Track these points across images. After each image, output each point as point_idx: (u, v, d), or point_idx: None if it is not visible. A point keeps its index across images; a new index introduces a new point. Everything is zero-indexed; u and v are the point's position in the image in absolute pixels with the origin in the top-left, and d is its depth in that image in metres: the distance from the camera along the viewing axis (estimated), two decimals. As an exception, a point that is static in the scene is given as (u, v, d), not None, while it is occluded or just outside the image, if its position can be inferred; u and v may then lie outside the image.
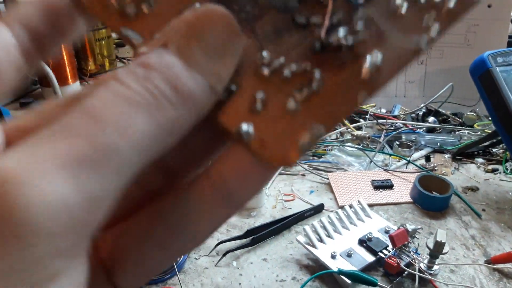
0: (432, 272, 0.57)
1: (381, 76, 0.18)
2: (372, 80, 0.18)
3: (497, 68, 0.71)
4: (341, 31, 0.18)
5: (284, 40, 0.19)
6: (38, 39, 0.19)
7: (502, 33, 0.98)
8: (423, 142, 0.88)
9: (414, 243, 0.60)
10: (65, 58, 0.87)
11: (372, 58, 0.18)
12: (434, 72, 1.02)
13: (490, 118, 0.74)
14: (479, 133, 0.92)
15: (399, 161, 0.84)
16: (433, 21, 0.18)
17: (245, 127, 0.17)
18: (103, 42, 0.98)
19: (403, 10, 0.18)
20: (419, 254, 0.59)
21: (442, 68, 1.01)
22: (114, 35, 1.12)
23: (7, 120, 0.17)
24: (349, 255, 0.58)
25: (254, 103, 0.17)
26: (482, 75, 0.72)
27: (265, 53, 0.18)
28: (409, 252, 0.58)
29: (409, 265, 0.57)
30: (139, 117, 0.14)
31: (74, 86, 0.89)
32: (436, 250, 0.55)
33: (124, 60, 1.06)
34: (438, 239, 0.55)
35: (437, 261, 0.57)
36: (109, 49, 1.00)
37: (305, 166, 0.81)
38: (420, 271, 0.56)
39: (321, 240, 0.60)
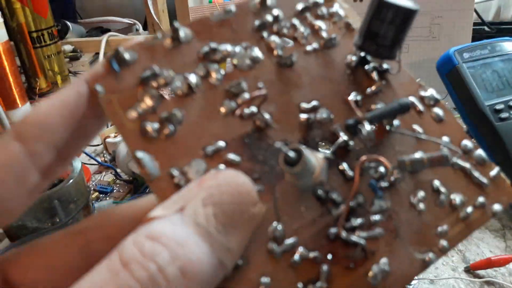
0: (411, 286, 0.55)
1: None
2: None
3: (464, 64, 0.69)
4: (356, 227, 0.19)
5: (300, 211, 0.19)
6: (60, 149, 0.18)
7: (466, 24, 0.96)
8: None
9: (391, 257, 0.57)
10: (9, 77, 0.80)
11: (380, 267, 0.18)
12: (401, 67, 1.00)
13: (459, 113, 0.72)
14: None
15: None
16: (447, 228, 0.20)
17: None
18: (53, 57, 0.92)
19: (422, 206, 0.20)
20: (397, 268, 0.56)
21: (409, 63, 0.99)
22: (66, 48, 1.06)
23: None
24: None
25: None
26: (449, 72, 0.70)
27: (279, 226, 0.18)
28: None
29: (387, 282, 0.54)
30: None
31: (24, 109, 0.83)
32: (414, 265, 0.53)
33: (77, 73, 1.00)
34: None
35: (416, 274, 0.55)
36: (60, 65, 0.94)
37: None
38: None
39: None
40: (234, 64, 0.21)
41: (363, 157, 0.20)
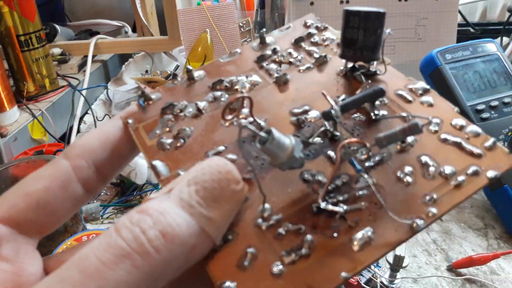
0: (394, 286, 0.55)
1: (369, 255, 0.18)
2: (358, 258, 0.18)
3: (446, 65, 0.70)
4: (340, 201, 0.20)
5: (288, 193, 0.20)
6: (99, 167, 0.24)
7: (451, 25, 0.98)
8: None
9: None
10: (-3, 82, 0.80)
11: (364, 234, 0.18)
12: (387, 68, 1.00)
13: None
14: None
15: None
16: (437, 196, 0.19)
17: (228, 284, 0.18)
18: (41, 60, 0.92)
19: (409, 179, 0.20)
20: (380, 267, 0.57)
21: (395, 64, 1.00)
22: (55, 51, 1.06)
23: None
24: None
25: (243, 258, 0.18)
26: (432, 73, 0.71)
27: (267, 206, 0.20)
28: (370, 265, 0.56)
29: (370, 281, 0.55)
30: (123, 266, 0.16)
31: (12, 112, 0.83)
32: (396, 264, 0.54)
33: (66, 76, 1.00)
34: (397, 253, 0.53)
35: (399, 273, 0.56)
36: (48, 68, 0.93)
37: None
38: (381, 287, 0.54)
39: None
40: (236, 89, 0.26)
41: (345, 141, 0.21)
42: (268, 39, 0.29)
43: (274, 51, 0.28)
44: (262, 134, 0.20)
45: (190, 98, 0.26)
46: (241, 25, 1.05)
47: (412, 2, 0.96)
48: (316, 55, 0.28)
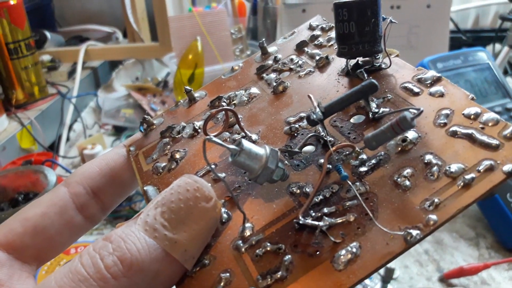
0: (385, 298, 0.55)
1: (352, 275, 0.16)
2: (339, 279, 0.16)
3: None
4: (326, 214, 0.18)
5: (272, 208, 0.19)
6: (98, 194, 0.24)
7: (443, 32, 0.98)
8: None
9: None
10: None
11: (348, 250, 0.17)
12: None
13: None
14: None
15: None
16: (438, 200, 0.17)
17: None
18: (30, 68, 0.91)
19: (407, 183, 0.18)
20: (371, 279, 0.56)
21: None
22: (44, 58, 1.05)
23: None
24: None
25: (217, 285, 0.17)
26: (423, 82, 0.71)
27: (247, 225, 0.19)
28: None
29: (361, 293, 0.54)
30: None
31: (0, 121, 0.82)
32: (387, 276, 0.53)
33: (55, 84, 0.99)
34: (387, 265, 0.53)
35: (390, 285, 0.55)
36: (37, 76, 0.93)
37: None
38: (372, 299, 0.54)
39: None
40: (234, 104, 0.26)
41: (332, 148, 0.19)
42: (271, 48, 0.29)
43: (275, 60, 0.28)
44: (231, 147, 0.19)
45: (190, 119, 0.26)
46: (233, 32, 1.05)
47: (404, 9, 0.96)
48: (318, 57, 0.26)
